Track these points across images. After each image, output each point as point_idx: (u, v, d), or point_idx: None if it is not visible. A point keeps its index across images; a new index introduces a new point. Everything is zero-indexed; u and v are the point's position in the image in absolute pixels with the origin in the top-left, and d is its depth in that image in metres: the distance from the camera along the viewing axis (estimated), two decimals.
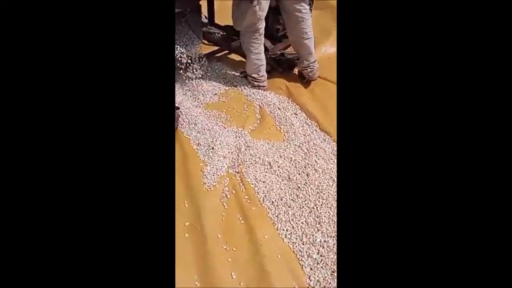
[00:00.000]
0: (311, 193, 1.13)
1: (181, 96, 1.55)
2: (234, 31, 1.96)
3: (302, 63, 1.64)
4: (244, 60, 1.88)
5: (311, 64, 1.60)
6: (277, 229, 1.04)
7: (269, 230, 1.04)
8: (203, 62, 1.66)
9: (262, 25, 1.48)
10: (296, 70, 1.76)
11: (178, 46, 1.52)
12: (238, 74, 1.74)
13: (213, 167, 1.22)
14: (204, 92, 1.59)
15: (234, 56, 1.89)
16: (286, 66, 1.75)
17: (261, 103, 1.55)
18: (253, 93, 1.61)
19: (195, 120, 1.41)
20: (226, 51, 1.91)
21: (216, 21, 1.96)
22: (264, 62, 1.60)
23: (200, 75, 1.65)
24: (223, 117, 1.46)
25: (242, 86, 1.65)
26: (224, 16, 1.99)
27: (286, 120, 1.45)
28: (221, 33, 1.94)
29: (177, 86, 1.61)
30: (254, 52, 1.55)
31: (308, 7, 1.50)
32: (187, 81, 1.62)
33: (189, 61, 1.58)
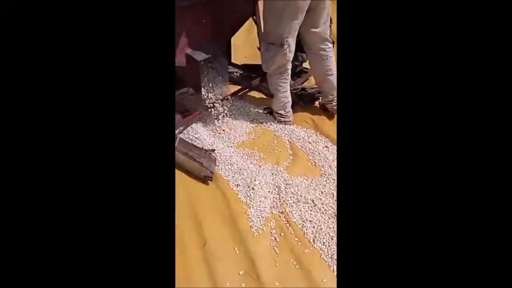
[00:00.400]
0: None
1: (211, 138, 1.56)
2: (251, 70, 2.03)
3: (326, 97, 1.68)
4: (264, 96, 1.93)
5: (334, 98, 1.64)
6: (334, 271, 1.01)
7: (326, 273, 1.01)
8: (229, 101, 1.70)
9: (289, 65, 1.54)
10: (317, 103, 1.80)
11: (205, 89, 1.55)
12: (262, 111, 1.78)
13: (256, 209, 1.20)
14: (233, 131, 1.61)
15: (254, 94, 1.94)
16: (307, 100, 1.80)
17: (290, 138, 1.57)
18: (281, 129, 1.63)
19: (230, 160, 1.41)
20: (246, 89, 1.96)
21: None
22: (290, 99, 1.63)
23: (227, 115, 1.68)
24: (256, 155, 1.47)
25: (268, 123, 1.68)
26: (239, 56, 2.07)
27: (319, 154, 1.46)
28: (240, 72, 2.01)
29: (205, 126, 1.63)
30: (282, 91, 1.59)
31: (331, 45, 1.57)
32: (215, 122, 1.65)
33: (215, 102, 1.61)
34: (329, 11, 1.49)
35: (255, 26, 1.70)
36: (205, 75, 1.52)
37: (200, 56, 1.43)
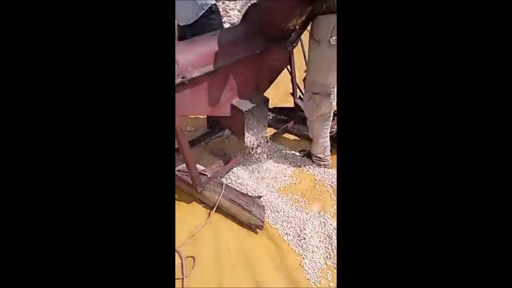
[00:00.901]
0: None
1: (254, 182, 1.59)
2: (283, 112, 2.10)
3: None
4: (297, 138, 1.98)
5: None
6: None
7: None
8: (268, 144, 1.75)
9: (332, 112, 1.58)
10: None
11: (248, 136, 1.61)
12: (298, 154, 1.82)
13: (310, 260, 1.20)
14: (274, 175, 1.64)
15: (287, 136, 2.00)
16: None
17: (332, 182, 1.59)
18: (320, 173, 1.66)
19: (276, 207, 1.43)
20: (279, 132, 2.02)
21: None
22: (329, 143, 1.68)
23: (267, 157, 1.72)
24: (301, 201, 1.48)
25: (307, 166, 1.71)
26: (270, 99, 2.16)
27: None
28: (272, 115, 2.08)
29: (247, 171, 1.67)
30: (323, 136, 1.63)
31: None
32: (256, 166, 1.69)
33: (256, 146, 1.67)
34: None
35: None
36: (247, 122, 1.59)
37: (245, 106, 1.50)
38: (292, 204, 1.46)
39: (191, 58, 1.28)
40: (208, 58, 1.34)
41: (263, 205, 1.40)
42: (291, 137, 1.99)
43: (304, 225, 1.33)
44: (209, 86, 1.37)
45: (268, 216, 1.40)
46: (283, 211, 1.41)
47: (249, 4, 3.43)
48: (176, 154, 1.72)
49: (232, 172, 1.66)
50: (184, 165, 1.62)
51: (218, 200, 1.42)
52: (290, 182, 1.61)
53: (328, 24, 1.32)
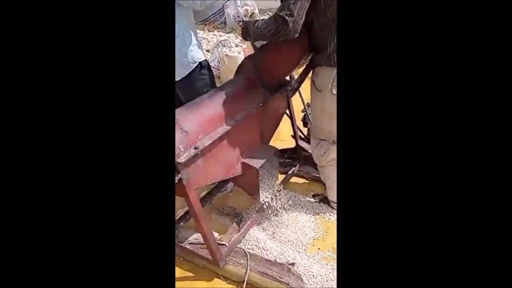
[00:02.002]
0: None
1: (277, 244, 1.44)
2: (287, 154, 2.02)
3: None
4: (307, 181, 1.89)
5: None
6: None
7: None
8: (280, 195, 1.63)
9: None
10: None
11: (262, 192, 1.49)
12: (313, 200, 1.72)
13: None
14: (297, 231, 1.51)
15: (294, 179, 1.90)
16: None
17: None
18: None
19: (311, 271, 1.29)
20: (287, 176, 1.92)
21: None
22: None
23: (282, 211, 1.60)
24: (333, 257, 1.36)
25: (326, 213, 1.61)
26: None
27: None
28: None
29: (266, 231, 1.52)
30: (336, 181, 1.56)
31: None
32: (273, 223, 1.55)
33: (270, 199, 1.54)
34: None
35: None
36: (260, 178, 1.47)
37: (257, 163, 1.39)
38: (327, 264, 1.33)
39: (199, 124, 1.17)
40: (216, 122, 1.23)
41: (299, 274, 1.25)
42: (300, 180, 1.89)
43: None
44: (220, 150, 1.25)
45: (305, 283, 1.25)
46: (320, 275, 1.27)
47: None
48: (182, 223, 1.55)
49: (249, 234, 1.51)
50: (196, 235, 1.45)
51: (246, 275, 1.26)
52: (315, 236, 1.49)
53: (330, 73, 1.30)
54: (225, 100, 1.29)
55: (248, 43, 3.88)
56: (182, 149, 1.07)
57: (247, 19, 1.49)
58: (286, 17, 1.11)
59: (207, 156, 1.18)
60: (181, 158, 1.05)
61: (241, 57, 3.17)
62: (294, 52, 1.34)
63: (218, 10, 1.55)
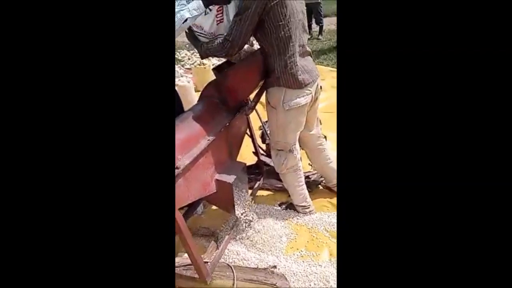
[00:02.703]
0: None
1: (257, 253, 1.53)
2: (248, 171, 2.14)
3: (329, 182, 1.89)
4: (271, 192, 2.04)
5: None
6: None
7: None
8: (251, 208, 1.73)
9: (300, 163, 1.72)
10: (321, 186, 2.00)
11: (236, 207, 1.58)
12: (280, 208, 1.86)
13: None
14: (271, 238, 1.62)
15: (261, 192, 2.03)
16: (314, 187, 1.98)
17: (324, 227, 1.67)
18: (310, 220, 1.72)
19: (292, 270, 1.40)
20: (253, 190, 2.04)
21: None
22: (307, 190, 1.79)
23: (255, 222, 1.70)
24: (309, 254, 1.50)
25: (294, 218, 1.76)
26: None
27: None
28: None
29: (242, 243, 1.60)
30: (299, 185, 1.74)
31: (324, 139, 1.85)
32: (248, 234, 1.64)
33: (245, 213, 1.64)
34: (317, 113, 1.80)
35: None
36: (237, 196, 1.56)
37: (229, 178, 1.49)
38: (304, 261, 1.47)
39: (177, 146, 1.24)
40: (191, 143, 1.32)
41: (283, 274, 1.36)
42: (265, 192, 2.03)
43: (326, 278, 1.34)
44: (197, 170, 1.33)
45: (291, 281, 1.36)
46: (300, 272, 1.40)
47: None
48: None
49: (228, 249, 1.57)
50: (178, 259, 1.46)
51: (235, 284, 1.31)
52: (289, 239, 1.62)
53: (280, 92, 1.50)
54: (196, 122, 1.39)
55: (195, 73, 3.99)
56: None
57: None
58: (229, 39, 1.32)
59: (186, 176, 1.25)
60: None
61: (190, 86, 3.28)
62: (254, 77, 1.52)
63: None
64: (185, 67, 4.37)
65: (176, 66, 4.37)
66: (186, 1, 1.27)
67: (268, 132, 1.93)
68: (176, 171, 1.16)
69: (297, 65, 1.43)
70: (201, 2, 1.25)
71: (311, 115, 1.71)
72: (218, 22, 1.40)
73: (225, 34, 1.37)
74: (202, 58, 1.51)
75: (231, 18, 1.36)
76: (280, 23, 1.34)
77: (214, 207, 1.96)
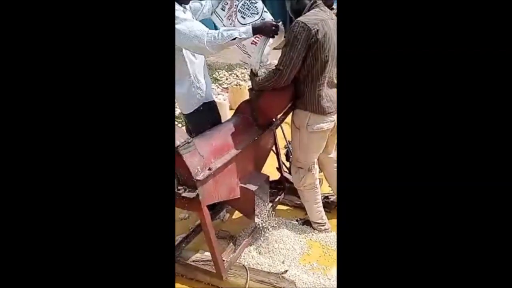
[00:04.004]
0: None
1: (269, 259, 1.64)
2: (271, 186, 2.28)
3: None
4: (291, 208, 2.15)
5: None
6: None
7: None
8: (270, 218, 1.86)
9: (317, 181, 1.84)
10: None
11: (256, 215, 1.72)
12: (297, 223, 1.97)
13: None
14: (284, 246, 1.73)
15: (281, 207, 2.15)
16: (332, 207, 2.07)
17: None
18: (324, 238, 1.81)
19: (301, 279, 1.49)
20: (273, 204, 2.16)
21: None
22: (323, 208, 1.88)
23: (272, 231, 1.82)
24: (319, 267, 1.58)
25: (310, 233, 1.85)
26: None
27: None
28: None
29: (258, 249, 1.72)
30: (315, 203, 1.84)
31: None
32: (265, 242, 1.76)
33: (264, 222, 1.77)
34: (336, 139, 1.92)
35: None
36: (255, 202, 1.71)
37: (253, 187, 1.65)
38: (314, 273, 1.55)
39: (211, 151, 1.44)
40: (223, 150, 1.51)
41: (293, 280, 1.45)
42: (285, 207, 2.15)
43: None
44: (226, 174, 1.51)
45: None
46: (309, 282, 1.48)
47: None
48: (183, 245, 1.70)
49: (244, 253, 1.70)
50: (198, 255, 1.61)
51: (247, 284, 1.43)
52: (302, 251, 1.71)
53: (305, 116, 1.65)
54: (229, 133, 1.59)
55: (231, 92, 4.28)
56: (200, 169, 1.32)
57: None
58: (282, 69, 1.48)
59: (216, 178, 1.43)
60: (198, 176, 1.30)
61: (225, 103, 3.56)
62: (283, 99, 1.71)
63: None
64: (223, 86, 4.71)
65: (214, 85, 4.72)
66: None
67: (291, 150, 2.08)
68: (208, 172, 1.35)
69: (324, 94, 1.60)
70: (250, 28, 1.50)
71: (331, 140, 1.84)
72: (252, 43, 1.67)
73: (257, 58, 1.57)
74: (253, 89, 1.69)
75: (265, 46, 1.58)
76: (320, 57, 1.50)
77: (235, 215, 2.11)
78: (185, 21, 1.49)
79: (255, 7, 1.74)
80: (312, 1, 1.56)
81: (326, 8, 1.57)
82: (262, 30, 1.54)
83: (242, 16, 1.75)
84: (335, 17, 1.58)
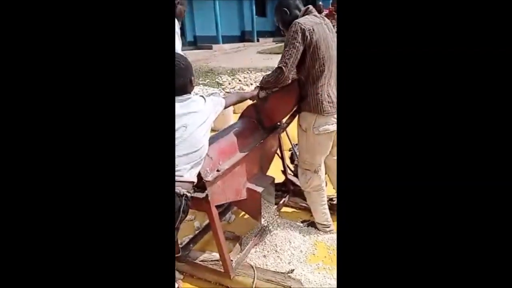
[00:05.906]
0: None
1: (275, 260, 1.67)
2: (276, 188, 2.32)
3: None
4: (296, 210, 2.18)
5: None
6: None
7: None
8: (276, 220, 1.90)
9: (324, 183, 1.88)
10: None
11: (262, 216, 1.76)
12: (302, 224, 2.00)
13: None
14: (290, 247, 1.76)
15: (286, 209, 2.18)
16: (336, 209, 2.10)
17: None
18: (329, 239, 1.84)
19: (307, 278, 1.52)
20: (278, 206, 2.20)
21: None
22: (328, 210, 1.92)
23: (277, 233, 1.85)
24: (325, 267, 1.61)
25: (314, 234, 1.88)
26: None
27: None
28: None
29: (264, 250, 1.75)
30: (321, 204, 1.88)
31: None
32: (270, 243, 1.79)
33: (270, 224, 1.80)
34: None
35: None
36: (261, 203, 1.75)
37: (259, 188, 1.69)
38: (319, 273, 1.58)
39: (219, 153, 1.48)
40: (230, 152, 1.55)
41: (299, 279, 1.48)
42: (290, 209, 2.18)
43: None
44: (233, 176, 1.55)
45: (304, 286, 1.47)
46: (315, 281, 1.51)
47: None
48: (191, 245, 1.74)
49: (251, 253, 1.73)
50: (206, 254, 1.65)
51: (254, 283, 1.46)
52: (307, 252, 1.74)
53: (312, 117, 1.70)
54: (236, 136, 1.64)
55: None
56: (208, 171, 1.36)
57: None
58: (282, 67, 1.54)
59: (224, 179, 1.47)
60: (208, 177, 1.34)
61: (229, 107, 3.62)
62: (288, 103, 1.76)
63: None
64: (226, 90, 4.78)
65: (217, 89, 4.79)
66: None
67: (297, 153, 2.12)
68: (216, 173, 1.39)
69: (327, 95, 1.65)
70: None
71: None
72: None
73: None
74: (261, 92, 1.74)
75: None
76: (318, 57, 1.58)
77: (241, 216, 2.14)
78: None
79: None
80: (305, 8, 1.68)
81: (318, 14, 1.68)
82: None
83: None
84: (328, 21, 1.68)
